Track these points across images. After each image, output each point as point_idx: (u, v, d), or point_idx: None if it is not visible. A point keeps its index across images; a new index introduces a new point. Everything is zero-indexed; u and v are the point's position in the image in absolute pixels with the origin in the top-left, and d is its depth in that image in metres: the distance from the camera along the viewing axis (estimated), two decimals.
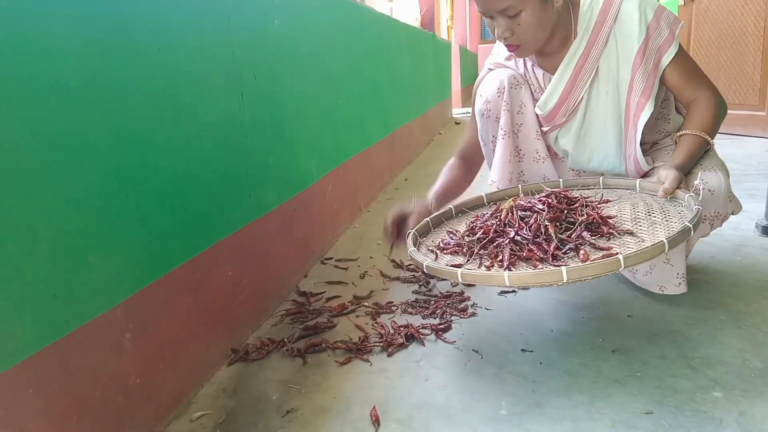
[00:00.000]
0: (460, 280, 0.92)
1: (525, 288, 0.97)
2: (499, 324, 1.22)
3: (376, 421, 0.90)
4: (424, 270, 0.98)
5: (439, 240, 1.14)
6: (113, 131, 0.80)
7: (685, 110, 1.26)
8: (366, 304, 1.36)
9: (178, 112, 0.97)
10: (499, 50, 1.40)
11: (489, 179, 1.36)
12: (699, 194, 1.02)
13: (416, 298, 1.38)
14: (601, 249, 0.94)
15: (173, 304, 0.95)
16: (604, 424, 0.87)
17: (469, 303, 1.33)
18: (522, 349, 1.11)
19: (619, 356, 1.06)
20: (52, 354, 0.68)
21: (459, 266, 0.98)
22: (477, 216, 1.16)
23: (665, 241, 0.85)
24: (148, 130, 0.88)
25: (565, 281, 0.84)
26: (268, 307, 1.34)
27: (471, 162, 1.48)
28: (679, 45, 1.20)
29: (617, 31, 1.20)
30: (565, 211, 1.04)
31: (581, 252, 0.93)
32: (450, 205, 1.29)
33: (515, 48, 1.21)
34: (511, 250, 0.97)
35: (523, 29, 1.17)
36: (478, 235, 1.05)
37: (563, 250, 0.95)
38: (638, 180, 1.18)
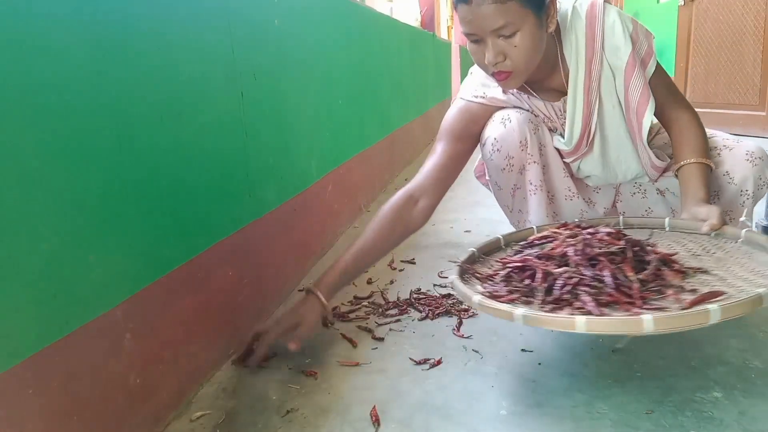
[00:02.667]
0: (584, 330, 0.74)
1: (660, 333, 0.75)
2: (499, 324, 1.22)
3: (376, 421, 0.90)
4: (516, 321, 0.78)
5: (480, 288, 0.94)
6: (113, 131, 0.80)
7: (667, 129, 1.25)
8: (365, 304, 1.37)
9: (178, 112, 0.97)
10: (480, 85, 1.28)
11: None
12: (749, 226, 0.99)
13: (417, 296, 1.38)
14: (688, 290, 0.85)
15: (173, 304, 0.95)
16: (604, 424, 0.87)
17: None
18: (522, 349, 1.11)
19: (619, 356, 1.06)
20: (52, 354, 0.68)
21: (572, 314, 0.80)
22: (506, 258, 1.01)
23: None
24: (148, 130, 0.88)
25: (712, 322, 0.71)
26: (268, 307, 1.34)
27: (424, 198, 1.22)
28: (656, 60, 1.20)
29: (606, 44, 1.18)
30: (632, 249, 0.93)
31: (670, 293, 0.84)
32: (473, 249, 1.08)
33: (506, 76, 1.10)
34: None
35: (518, 52, 1.06)
36: (537, 280, 0.89)
37: (647, 291, 0.85)
38: (668, 218, 1.13)
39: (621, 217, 1.21)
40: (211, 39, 1.10)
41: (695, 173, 1.12)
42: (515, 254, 1.02)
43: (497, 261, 1.04)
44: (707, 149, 1.17)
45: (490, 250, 1.13)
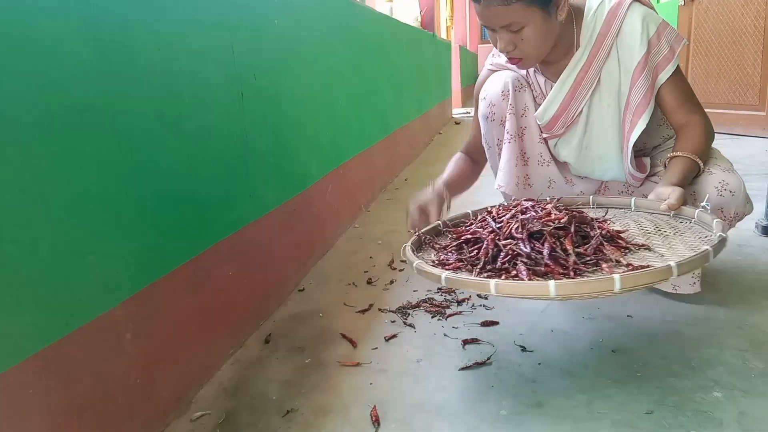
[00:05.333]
0: (493, 292, 0.80)
1: (566, 299, 0.84)
2: (499, 324, 1.22)
3: (376, 421, 0.90)
4: (442, 282, 0.86)
5: (432, 257, 1.02)
6: (113, 131, 0.80)
7: (675, 133, 1.23)
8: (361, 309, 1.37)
9: (178, 112, 0.97)
10: (495, 53, 1.38)
11: (496, 184, 1.35)
12: (707, 210, 0.99)
13: (427, 297, 1.38)
14: (624, 264, 0.88)
15: (173, 304, 0.95)
16: (604, 424, 0.87)
17: (471, 303, 1.33)
18: (522, 349, 1.11)
19: (619, 356, 1.06)
20: (52, 354, 0.68)
21: (490, 277, 0.87)
22: (464, 229, 1.07)
23: (710, 249, 0.80)
24: (148, 130, 0.88)
25: (617, 290, 0.75)
26: (268, 307, 1.34)
27: (476, 158, 1.48)
28: (677, 65, 1.19)
29: (619, 43, 1.19)
30: (575, 224, 0.96)
31: (604, 266, 0.86)
32: (437, 222, 1.17)
33: (518, 61, 1.20)
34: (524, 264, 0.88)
35: (527, 44, 1.15)
36: (482, 250, 0.94)
37: (582, 264, 0.88)
38: (633, 198, 1.15)
39: (591, 197, 1.22)
40: (211, 39, 1.10)
41: (678, 163, 1.13)
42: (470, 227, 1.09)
43: (453, 233, 1.10)
44: (704, 150, 1.16)
45: (457, 223, 1.19)
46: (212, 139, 1.09)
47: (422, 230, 1.12)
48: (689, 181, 1.14)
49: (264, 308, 1.32)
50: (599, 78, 1.22)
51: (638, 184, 1.28)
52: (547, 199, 1.21)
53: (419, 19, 6.19)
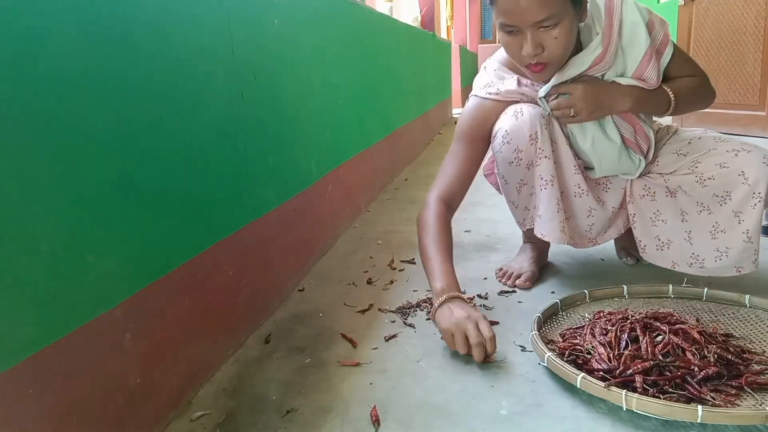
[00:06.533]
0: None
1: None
2: (499, 324, 1.22)
3: (376, 421, 0.90)
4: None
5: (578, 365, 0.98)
6: (113, 131, 0.80)
7: None
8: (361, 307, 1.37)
9: (178, 112, 0.97)
10: (493, 80, 1.29)
11: (538, 232, 1.28)
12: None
13: (427, 297, 1.38)
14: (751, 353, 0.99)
15: (173, 304, 0.95)
16: (604, 424, 0.87)
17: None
18: (522, 349, 1.11)
19: None
20: (52, 354, 0.68)
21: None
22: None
23: None
24: (148, 130, 0.88)
25: None
26: (268, 307, 1.34)
27: (453, 204, 1.33)
28: (673, 44, 1.23)
29: (624, 36, 1.18)
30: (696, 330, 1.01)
31: (739, 360, 0.95)
32: (539, 314, 1.14)
33: (541, 68, 1.12)
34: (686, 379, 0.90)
35: (558, 43, 1.08)
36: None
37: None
38: (625, 286, 1.28)
39: (587, 291, 1.26)
40: (211, 39, 1.10)
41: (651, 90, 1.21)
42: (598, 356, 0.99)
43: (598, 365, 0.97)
44: (685, 94, 1.23)
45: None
46: (212, 139, 1.09)
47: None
48: (646, 105, 1.22)
49: (264, 308, 1.32)
50: (603, 75, 1.21)
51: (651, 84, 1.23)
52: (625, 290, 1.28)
53: (419, 19, 6.20)
